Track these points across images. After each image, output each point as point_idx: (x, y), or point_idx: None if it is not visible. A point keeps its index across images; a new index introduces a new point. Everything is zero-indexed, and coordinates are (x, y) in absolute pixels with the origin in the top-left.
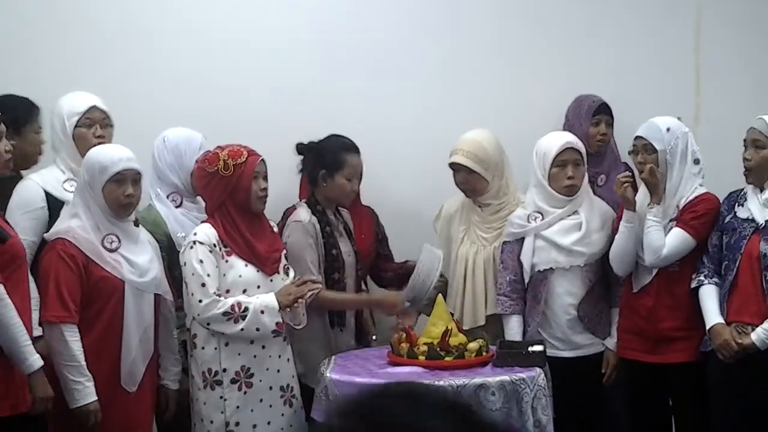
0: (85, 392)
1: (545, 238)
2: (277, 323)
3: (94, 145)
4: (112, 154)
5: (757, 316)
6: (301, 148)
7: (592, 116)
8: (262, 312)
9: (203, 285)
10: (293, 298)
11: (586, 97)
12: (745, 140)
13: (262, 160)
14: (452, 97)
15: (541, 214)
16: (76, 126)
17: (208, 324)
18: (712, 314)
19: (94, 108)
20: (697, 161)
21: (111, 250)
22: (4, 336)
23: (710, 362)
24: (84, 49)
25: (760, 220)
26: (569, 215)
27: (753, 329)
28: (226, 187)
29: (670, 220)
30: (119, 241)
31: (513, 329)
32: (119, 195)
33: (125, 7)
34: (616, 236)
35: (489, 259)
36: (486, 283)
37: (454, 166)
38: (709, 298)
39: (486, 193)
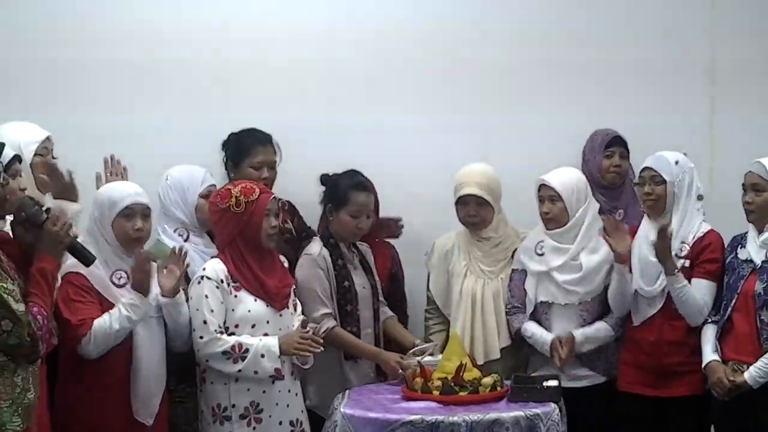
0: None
1: (546, 272)
2: (275, 369)
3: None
4: (121, 190)
5: (752, 356)
6: (323, 180)
7: (606, 148)
8: (263, 356)
9: (205, 322)
10: (294, 350)
11: (600, 131)
12: (743, 185)
13: (274, 197)
14: (466, 135)
15: (544, 243)
16: (34, 154)
17: (207, 361)
18: (708, 352)
19: (48, 139)
20: (700, 197)
21: (119, 286)
22: None
23: (713, 397)
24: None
25: (757, 261)
26: (575, 254)
27: (749, 368)
28: (237, 223)
29: (678, 256)
30: (128, 278)
31: (536, 331)
32: (128, 229)
33: (146, 44)
34: (611, 283)
35: (498, 292)
36: (497, 316)
37: (466, 199)
38: (708, 336)
39: (488, 227)
